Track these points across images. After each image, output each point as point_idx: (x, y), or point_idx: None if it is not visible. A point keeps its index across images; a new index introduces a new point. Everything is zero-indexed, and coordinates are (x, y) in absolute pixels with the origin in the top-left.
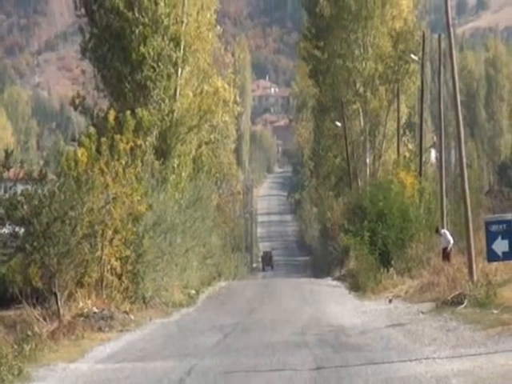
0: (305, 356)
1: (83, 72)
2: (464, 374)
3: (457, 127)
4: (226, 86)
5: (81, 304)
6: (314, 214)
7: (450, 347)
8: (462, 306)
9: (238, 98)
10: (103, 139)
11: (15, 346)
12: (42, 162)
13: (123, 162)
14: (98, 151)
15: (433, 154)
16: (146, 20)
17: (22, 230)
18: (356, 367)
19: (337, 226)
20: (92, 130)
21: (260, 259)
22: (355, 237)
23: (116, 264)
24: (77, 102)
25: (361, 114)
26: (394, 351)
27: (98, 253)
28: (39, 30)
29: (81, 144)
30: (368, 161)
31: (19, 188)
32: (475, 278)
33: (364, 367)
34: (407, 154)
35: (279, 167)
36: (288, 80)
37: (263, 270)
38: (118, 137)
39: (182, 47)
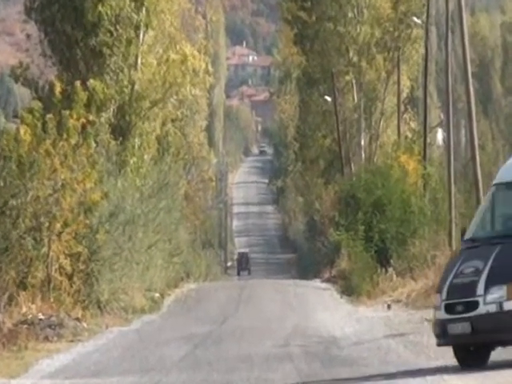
0: (288, 371)
1: (28, 37)
2: None
3: (467, 103)
4: (196, 53)
5: (24, 309)
6: (300, 205)
7: None
8: None
9: (210, 68)
10: (49, 115)
11: None
12: None
13: (73, 142)
14: (44, 130)
15: (439, 134)
16: None
17: None
18: None
19: (326, 218)
20: (36, 104)
21: (235, 260)
22: (348, 231)
23: (65, 262)
24: (18, 71)
25: (354, 87)
26: (394, 366)
27: (45, 249)
28: None
29: (23, 121)
30: (363, 142)
31: None
32: None
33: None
34: (409, 135)
35: (258, 149)
36: (269, 47)
37: (238, 274)
38: (66, 112)
39: (144, 7)
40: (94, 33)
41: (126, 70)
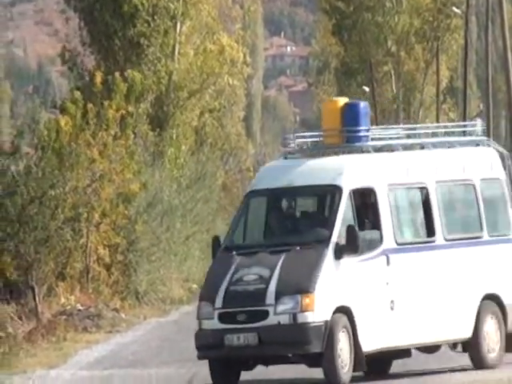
0: None
1: (67, 21)
2: None
3: (507, 93)
4: (234, 43)
5: (62, 300)
6: None
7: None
8: None
9: (247, 58)
10: (90, 105)
11: None
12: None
13: (112, 133)
14: (83, 120)
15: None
16: None
17: None
18: (391, 376)
19: None
20: (78, 94)
21: None
22: None
23: (104, 253)
24: (67, 55)
25: (393, 77)
26: (434, 358)
27: (83, 240)
28: None
29: (64, 111)
30: None
31: None
32: None
33: (399, 377)
34: None
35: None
36: (307, 37)
37: None
38: (107, 103)
39: None
40: (132, 23)
41: (163, 60)
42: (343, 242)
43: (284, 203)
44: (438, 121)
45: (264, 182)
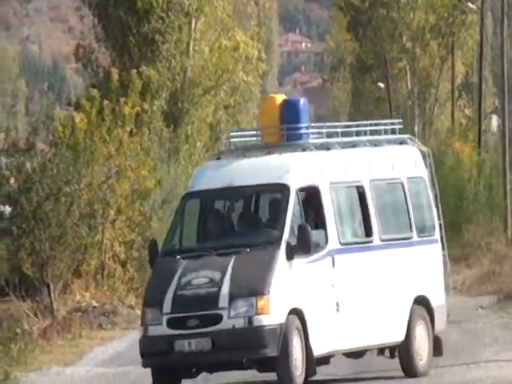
0: (343, 361)
1: (82, 18)
2: None
3: None
4: (249, 40)
5: (78, 297)
6: None
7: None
8: None
9: (262, 55)
10: (106, 102)
11: (1, 347)
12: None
13: (128, 130)
14: (98, 117)
15: (494, 120)
16: None
17: (9, 209)
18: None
19: None
20: (94, 91)
21: None
22: None
23: (119, 249)
24: (81, 52)
25: (408, 73)
26: (449, 353)
27: (98, 236)
28: None
29: (79, 108)
30: (417, 129)
31: (3, 161)
32: None
33: (399, 378)
34: (463, 121)
35: None
36: (322, 33)
37: None
38: (123, 100)
39: None
40: (147, 20)
41: (178, 56)
42: (293, 242)
43: (225, 204)
44: (452, 117)
45: (202, 184)
